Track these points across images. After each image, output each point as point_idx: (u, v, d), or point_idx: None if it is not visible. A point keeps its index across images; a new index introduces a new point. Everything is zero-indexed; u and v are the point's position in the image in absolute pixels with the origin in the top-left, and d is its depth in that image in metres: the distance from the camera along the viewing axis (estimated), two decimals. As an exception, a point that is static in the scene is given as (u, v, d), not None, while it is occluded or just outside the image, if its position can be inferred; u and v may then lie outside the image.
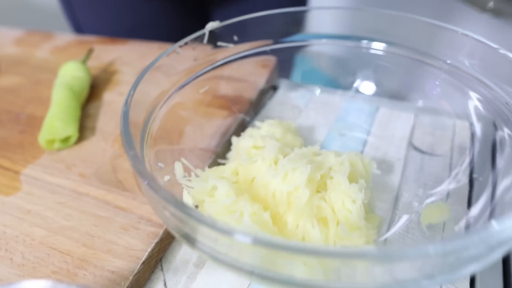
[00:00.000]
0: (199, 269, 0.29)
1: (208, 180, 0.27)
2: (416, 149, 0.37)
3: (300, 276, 0.20)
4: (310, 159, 0.28)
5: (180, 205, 0.18)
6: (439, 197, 0.32)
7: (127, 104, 0.26)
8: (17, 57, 0.57)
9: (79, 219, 0.31)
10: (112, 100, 0.46)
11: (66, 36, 0.61)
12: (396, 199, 0.32)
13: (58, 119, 0.39)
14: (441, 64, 0.31)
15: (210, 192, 0.27)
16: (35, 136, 0.40)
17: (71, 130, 0.38)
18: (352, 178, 0.29)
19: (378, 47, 0.35)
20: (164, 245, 0.30)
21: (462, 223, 0.29)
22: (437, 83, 0.32)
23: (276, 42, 0.40)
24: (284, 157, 0.29)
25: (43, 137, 0.37)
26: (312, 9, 0.37)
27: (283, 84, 0.47)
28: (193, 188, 0.27)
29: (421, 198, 0.32)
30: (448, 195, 0.32)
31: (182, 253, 0.30)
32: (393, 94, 0.38)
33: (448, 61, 0.30)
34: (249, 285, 0.28)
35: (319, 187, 0.28)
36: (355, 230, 0.25)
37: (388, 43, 0.34)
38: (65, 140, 0.39)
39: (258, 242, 0.16)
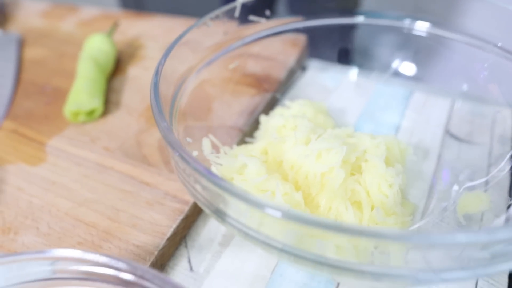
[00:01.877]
0: (224, 248, 0.28)
1: (237, 158, 0.26)
2: (453, 136, 0.35)
3: (331, 256, 0.19)
4: (344, 140, 0.27)
5: (214, 177, 0.17)
6: (477, 187, 0.30)
7: (157, 74, 0.25)
8: (43, 30, 0.56)
9: (104, 193, 0.31)
10: (136, 75, 0.45)
11: (91, 10, 0.60)
12: (431, 187, 0.31)
13: (83, 92, 0.38)
14: (490, 48, 0.29)
15: (239, 170, 0.26)
16: (60, 108, 0.40)
17: (97, 103, 0.38)
18: (388, 163, 0.28)
19: (421, 27, 0.33)
20: (188, 223, 0.30)
21: (502, 215, 0.28)
22: (485, 65, 0.30)
23: (308, 19, 0.38)
24: (317, 137, 0.27)
25: (68, 109, 0.37)
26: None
27: (312, 64, 0.45)
28: (221, 165, 0.27)
29: (458, 187, 0.30)
30: (487, 184, 0.30)
31: (207, 231, 0.30)
32: (433, 78, 0.36)
33: (499, 44, 0.28)
34: (275, 265, 0.27)
35: (353, 169, 0.26)
36: (391, 215, 0.24)
37: (432, 23, 0.32)
38: (90, 113, 0.38)
39: (292, 217, 0.15)
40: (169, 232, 0.28)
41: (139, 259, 0.26)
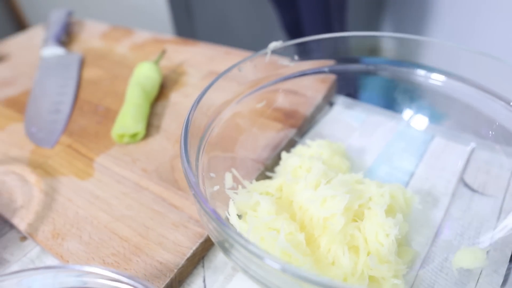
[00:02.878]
0: (235, 272, 0.32)
1: (253, 195, 0.29)
2: (467, 186, 0.36)
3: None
4: (352, 187, 0.29)
5: (221, 223, 0.21)
6: (481, 241, 0.31)
7: (188, 118, 0.29)
8: (101, 51, 0.63)
9: (138, 211, 0.36)
10: (177, 101, 0.50)
11: (144, 34, 0.67)
12: (436, 235, 0.32)
13: (129, 117, 0.43)
14: (503, 104, 0.30)
15: (253, 206, 0.29)
16: (108, 128, 0.46)
17: (140, 128, 0.43)
18: (391, 211, 0.30)
19: (439, 78, 0.35)
20: (207, 245, 0.33)
21: (501, 272, 0.29)
22: (497, 124, 0.31)
23: (336, 63, 0.41)
24: (327, 181, 0.30)
25: (115, 131, 0.42)
26: (374, 35, 0.37)
27: (339, 100, 0.48)
28: (238, 200, 0.30)
29: (462, 239, 0.32)
30: (492, 239, 0.31)
31: (223, 255, 0.33)
32: (449, 126, 0.37)
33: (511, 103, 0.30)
34: (279, 296, 0.30)
35: (356, 215, 0.29)
36: (384, 263, 0.26)
37: (450, 75, 0.34)
38: (134, 135, 0.43)
39: (284, 269, 0.18)
40: (188, 253, 0.31)
41: (161, 274, 0.30)
